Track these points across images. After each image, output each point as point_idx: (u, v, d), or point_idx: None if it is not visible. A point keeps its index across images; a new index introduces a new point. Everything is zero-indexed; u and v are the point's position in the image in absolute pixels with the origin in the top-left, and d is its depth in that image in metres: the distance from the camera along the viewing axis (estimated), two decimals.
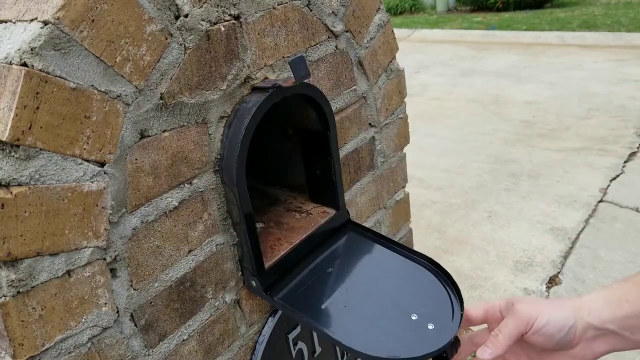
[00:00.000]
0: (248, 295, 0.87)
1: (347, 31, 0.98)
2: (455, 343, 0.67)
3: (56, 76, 0.55)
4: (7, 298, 0.55)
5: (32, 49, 0.53)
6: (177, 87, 0.69)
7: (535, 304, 0.59)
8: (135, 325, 0.70)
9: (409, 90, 1.28)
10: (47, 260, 0.58)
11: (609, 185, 3.07)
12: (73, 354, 0.62)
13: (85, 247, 0.62)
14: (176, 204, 0.73)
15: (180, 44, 0.68)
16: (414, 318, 0.72)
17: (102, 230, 0.63)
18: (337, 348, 1.10)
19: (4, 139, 0.52)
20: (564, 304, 0.59)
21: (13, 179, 0.54)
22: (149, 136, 0.67)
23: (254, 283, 0.83)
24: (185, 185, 0.74)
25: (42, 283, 0.58)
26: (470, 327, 0.74)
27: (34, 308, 0.57)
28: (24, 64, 0.53)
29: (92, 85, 0.59)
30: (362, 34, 1.03)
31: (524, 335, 0.60)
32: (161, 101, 0.68)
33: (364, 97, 1.07)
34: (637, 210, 2.85)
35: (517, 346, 0.61)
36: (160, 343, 0.74)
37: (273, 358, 0.93)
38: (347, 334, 0.71)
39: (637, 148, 3.48)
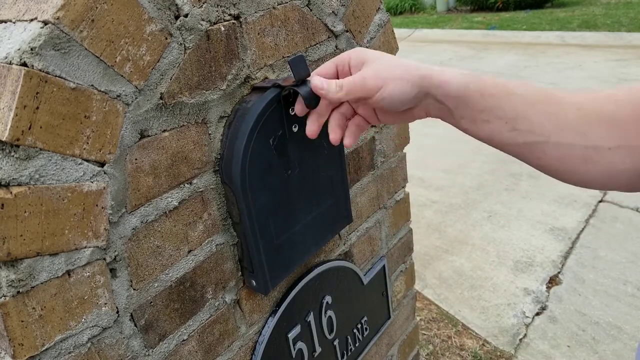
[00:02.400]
0: (248, 295, 0.87)
1: (347, 31, 0.98)
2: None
3: (56, 76, 0.55)
4: (7, 298, 0.55)
5: (32, 49, 0.53)
6: (177, 87, 0.69)
7: (384, 73, 0.59)
8: (135, 325, 0.70)
9: None
10: (47, 260, 0.58)
11: None
12: (73, 354, 0.62)
13: (85, 247, 0.62)
14: (176, 204, 0.73)
15: (180, 43, 0.68)
16: None
17: (102, 230, 0.63)
18: (337, 348, 1.10)
19: (3, 139, 0.52)
20: (412, 73, 0.58)
21: (13, 179, 0.54)
22: (148, 136, 0.67)
23: (254, 282, 0.83)
24: (185, 185, 0.74)
25: (42, 283, 0.58)
26: None
27: (33, 308, 0.57)
28: (24, 64, 0.53)
29: (92, 85, 0.59)
30: (362, 34, 1.03)
31: (364, 99, 0.61)
32: (161, 101, 0.68)
33: None
34: (637, 210, 2.85)
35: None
36: (160, 343, 0.74)
37: (273, 358, 0.93)
38: None
39: None
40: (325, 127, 0.71)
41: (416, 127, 3.24)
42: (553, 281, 2.40)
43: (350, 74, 0.63)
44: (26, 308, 0.56)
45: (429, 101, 0.59)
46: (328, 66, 0.66)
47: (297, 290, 0.96)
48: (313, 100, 0.68)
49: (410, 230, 1.37)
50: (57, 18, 0.54)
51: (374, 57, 0.61)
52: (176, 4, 0.67)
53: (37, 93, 0.54)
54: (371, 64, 0.60)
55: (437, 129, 4.12)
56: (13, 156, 0.53)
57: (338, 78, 0.65)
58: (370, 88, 0.59)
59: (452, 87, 0.57)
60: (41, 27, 0.54)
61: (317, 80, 0.63)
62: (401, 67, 0.58)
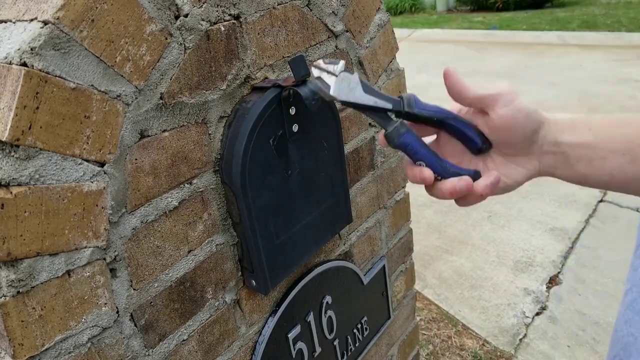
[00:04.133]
0: (248, 295, 0.87)
1: (347, 31, 0.98)
2: None
3: (56, 76, 0.55)
4: (7, 298, 0.55)
5: (32, 49, 0.53)
6: (177, 87, 0.69)
7: (504, 86, 0.55)
8: (135, 325, 0.70)
9: (409, 90, 1.28)
10: (47, 260, 0.58)
11: None
12: (73, 354, 0.62)
13: (85, 247, 0.62)
14: (176, 204, 0.73)
15: (180, 43, 0.68)
16: None
17: (102, 230, 0.63)
18: (337, 348, 1.10)
19: (3, 139, 0.52)
20: (533, 107, 0.55)
21: (13, 179, 0.54)
22: (148, 136, 0.67)
23: (254, 282, 0.83)
24: (185, 185, 0.74)
25: (42, 283, 0.58)
26: None
27: (33, 308, 0.57)
28: (24, 64, 0.53)
29: (92, 85, 0.59)
30: (362, 34, 1.03)
31: (489, 109, 0.56)
32: (161, 101, 0.68)
33: None
34: (637, 210, 2.85)
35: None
36: (160, 343, 0.74)
37: (273, 358, 0.93)
38: None
39: None
40: (322, 127, 0.70)
41: None
42: (553, 281, 2.40)
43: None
44: (26, 308, 0.56)
45: (545, 143, 0.56)
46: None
47: (297, 290, 0.96)
48: (313, 100, 0.67)
49: (410, 230, 1.37)
50: (57, 18, 0.54)
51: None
52: (176, 4, 0.67)
53: (37, 93, 0.54)
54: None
55: None
56: (13, 156, 0.53)
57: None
58: (490, 91, 0.55)
59: (562, 127, 0.55)
60: (41, 27, 0.54)
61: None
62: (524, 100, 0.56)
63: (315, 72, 0.58)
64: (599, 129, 0.54)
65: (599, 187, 0.56)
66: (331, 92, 0.55)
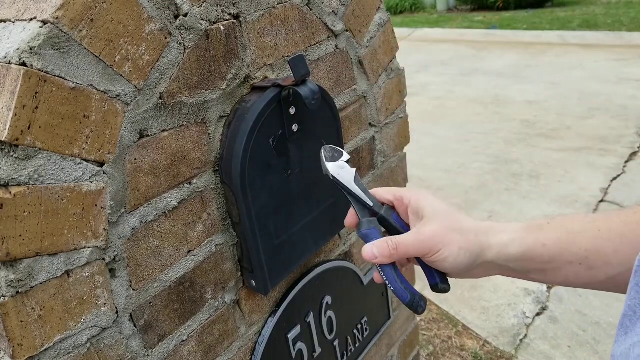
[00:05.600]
0: (248, 295, 0.87)
1: (347, 30, 0.98)
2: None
3: (55, 76, 0.55)
4: (6, 298, 0.54)
5: (31, 49, 0.53)
6: (176, 86, 0.69)
7: (441, 237, 0.56)
8: (135, 326, 0.70)
9: (409, 89, 1.28)
10: (46, 261, 0.58)
11: (609, 185, 3.07)
12: (72, 354, 0.62)
13: (85, 247, 0.61)
14: (175, 204, 0.72)
15: (180, 43, 0.68)
16: None
17: (101, 230, 0.63)
18: (337, 348, 1.10)
19: (3, 139, 0.52)
20: (472, 243, 0.56)
21: (12, 178, 0.53)
22: (148, 136, 0.67)
23: (253, 282, 0.83)
24: (185, 185, 0.73)
25: (41, 283, 0.57)
26: None
27: (33, 308, 0.57)
28: (23, 64, 0.53)
29: (91, 85, 0.59)
30: (362, 34, 1.02)
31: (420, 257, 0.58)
32: (160, 101, 0.67)
33: (364, 96, 1.07)
34: None
35: None
36: (160, 344, 0.74)
37: (273, 359, 0.93)
38: None
39: (638, 148, 3.47)
40: (322, 127, 0.71)
41: (416, 127, 3.24)
42: None
43: (407, 214, 0.61)
44: (25, 308, 0.56)
45: (489, 266, 0.57)
46: (386, 190, 0.64)
47: (297, 290, 0.96)
48: (313, 100, 0.68)
49: None
50: (57, 17, 0.54)
51: (433, 212, 0.58)
52: (176, 4, 0.66)
53: (36, 93, 0.54)
54: (429, 223, 0.57)
55: (438, 128, 4.12)
56: (12, 156, 0.53)
57: (394, 206, 0.63)
58: (425, 250, 0.56)
59: (512, 250, 0.55)
60: (40, 27, 0.54)
61: (368, 251, 0.58)
62: (458, 233, 0.56)
63: (326, 149, 0.65)
64: (552, 244, 0.53)
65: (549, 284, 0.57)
66: (329, 169, 0.63)
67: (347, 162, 0.64)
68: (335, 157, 0.64)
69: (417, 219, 0.59)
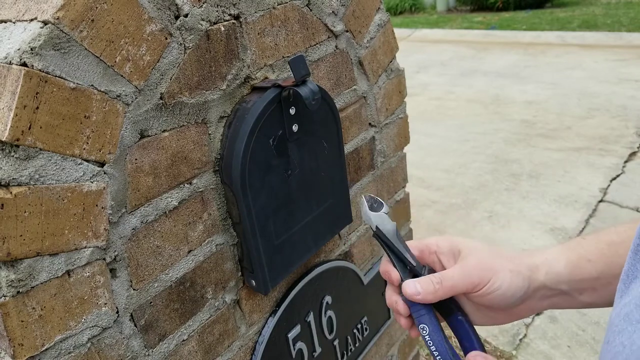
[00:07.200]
0: (248, 295, 0.87)
1: (347, 31, 0.98)
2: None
3: (56, 76, 0.55)
4: (7, 298, 0.55)
5: (31, 49, 0.53)
6: (176, 87, 0.69)
7: (489, 264, 0.52)
8: (135, 326, 0.70)
9: (409, 90, 1.28)
10: (47, 261, 0.58)
11: (609, 185, 3.07)
12: (73, 354, 0.62)
13: (85, 247, 0.62)
14: (176, 204, 0.73)
15: (180, 43, 0.68)
16: None
17: (101, 230, 0.63)
18: (337, 348, 1.10)
19: (3, 139, 0.52)
20: (520, 265, 0.53)
21: (13, 179, 0.54)
22: (148, 136, 0.67)
23: (253, 282, 0.83)
24: (185, 185, 0.73)
25: (41, 283, 0.58)
26: None
27: (33, 308, 0.57)
28: (24, 64, 0.53)
29: (92, 85, 0.59)
30: (362, 34, 1.03)
31: (467, 294, 0.53)
32: (161, 101, 0.68)
33: (364, 97, 1.07)
34: (637, 210, 2.85)
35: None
36: (160, 343, 0.74)
37: (273, 358, 0.93)
38: None
39: (638, 148, 3.48)
40: (322, 127, 0.70)
41: (416, 127, 3.25)
42: None
43: (439, 263, 0.57)
44: (26, 308, 0.56)
45: (540, 293, 0.54)
46: (412, 248, 0.59)
47: (297, 290, 0.96)
48: (313, 100, 0.67)
49: (411, 231, 1.37)
50: (57, 18, 0.54)
51: (470, 246, 0.54)
52: (176, 4, 0.67)
53: (37, 93, 0.54)
54: (470, 255, 0.53)
55: (437, 128, 4.12)
56: (13, 156, 0.53)
57: (420, 262, 0.58)
58: (474, 281, 0.52)
59: (560, 268, 0.52)
60: (41, 27, 0.54)
61: (411, 287, 0.53)
62: (505, 258, 0.53)
63: (366, 197, 0.60)
64: (597, 259, 0.51)
65: (604, 306, 0.54)
66: (372, 220, 0.57)
67: (387, 214, 0.58)
68: (374, 208, 0.58)
69: (452, 258, 0.55)
